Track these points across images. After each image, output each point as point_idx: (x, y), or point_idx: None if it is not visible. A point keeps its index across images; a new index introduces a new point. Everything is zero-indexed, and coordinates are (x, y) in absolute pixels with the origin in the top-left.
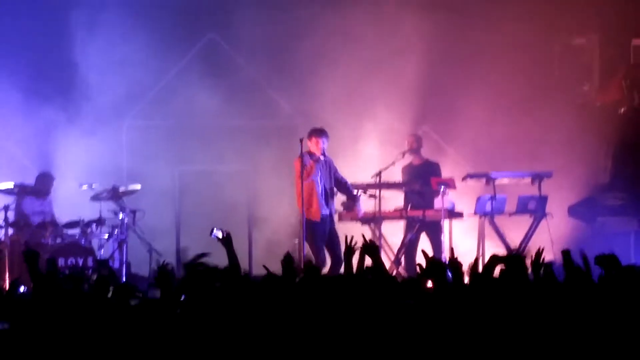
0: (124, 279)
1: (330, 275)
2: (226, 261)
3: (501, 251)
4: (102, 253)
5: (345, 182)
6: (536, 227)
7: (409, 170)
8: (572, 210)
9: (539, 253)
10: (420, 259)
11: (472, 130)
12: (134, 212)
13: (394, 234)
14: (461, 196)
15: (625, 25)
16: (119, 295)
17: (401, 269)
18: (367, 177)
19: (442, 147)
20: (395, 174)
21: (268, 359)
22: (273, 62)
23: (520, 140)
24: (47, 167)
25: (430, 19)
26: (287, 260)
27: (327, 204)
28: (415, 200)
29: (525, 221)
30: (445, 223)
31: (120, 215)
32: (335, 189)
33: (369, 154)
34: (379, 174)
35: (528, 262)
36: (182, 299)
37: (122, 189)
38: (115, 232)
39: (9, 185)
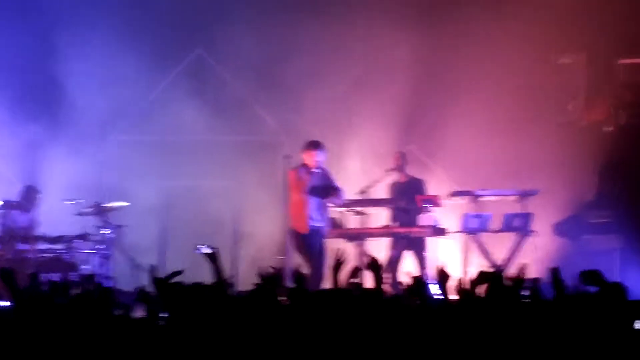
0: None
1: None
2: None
3: (487, 268)
4: (87, 268)
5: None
6: (521, 244)
7: (394, 187)
8: (557, 228)
9: (522, 269)
10: (404, 277)
11: (457, 148)
12: (118, 227)
13: (379, 251)
14: (446, 214)
15: (611, 45)
16: (102, 303)
17: (386, 286)
18: (352, 194)
19: (427, 164)
20: (381, 191)
21: None
22: (259, 78)
23: (506, 158)
24: (32, 182)
25: (417, 38)
26: (270, 277)
27: (318, 217)
28: (400, 217)
29: (511, 239)
30: (430, 240)
31: (105, 231)
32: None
33: (354, 171)
34: (364, 191)
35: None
36: (164, 315)
37: (106, 204)
38: (100, 248)
39: None
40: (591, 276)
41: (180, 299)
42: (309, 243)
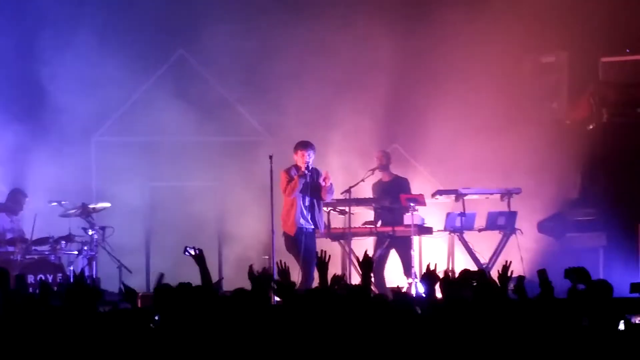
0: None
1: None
2: (198, 278)
3: (470, 267)
4: (72, 269)
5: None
6: (505, 242)
7: (378, 186)
8: (541, 226)
9: (505, 267)
10: (389, 275)
11: (441, 147)
12: (103, 228)
13: (363, 250)
14: (431, 212)
15: (593, 43)
16: (88, 300)
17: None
18: (336, 194)
19: (411, 164)
20: (365, 191)
21: None
22: (242, 78)
23: (490, 156)
24: (16, 185)
25: (400, 38)
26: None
27: (308, 218)
28: (385, 216)
29: (495, 237)
30: (415, 239)
31: (90, 232)
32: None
33: (338, 171)
34: (348, 190)
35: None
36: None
37: (91, 206)
38: (85, 249)
39: None
40: (577, 273)
41: (169, 301)
42: (298, 245)
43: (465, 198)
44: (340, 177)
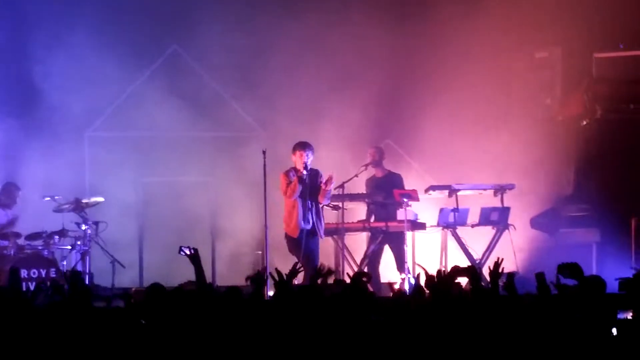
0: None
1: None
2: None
3: (463, 262)
4: (65, 264)
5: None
6: (499, 238)
7: (371, 182)
8: (535, 222)
9: (497, 264)
10: (383, 271)
11: (435, 142)
12: (96, 223)
13: (357, 245)
14: (424, 208)
15: (586, 39)
16: (81, 297)
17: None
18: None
19: (405, 159)
20: (358, 186)
21: None
22: (235, 74)
23: (483, 152)
24: (10, 180)
25: (394, 34)
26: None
27: (310, 219)
28: (378, 212)
29: (488, 233)
30: (408, 234)
31: (83, 227)
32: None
33: (331, 166)
34: (342, 186)
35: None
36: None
37: (84, 200)
38: (78, 244)
39: None
40: (569, 269)
41: (164, 302)
42: (300, 246)
43: (458, 194)
44: (333, 172)
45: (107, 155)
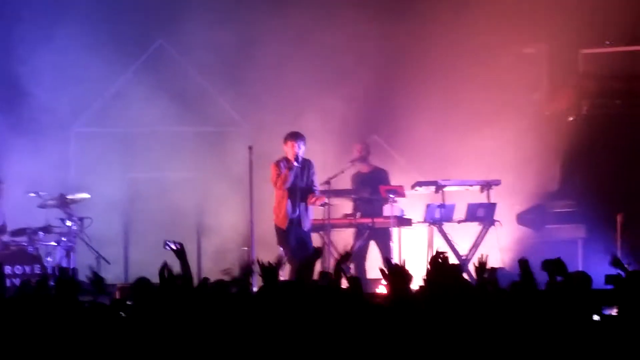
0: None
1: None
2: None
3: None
4: (50, 260)
5: (311, 189)
6: (485, 234)
7: (357, 178)
8: (521, 218)
9: (482, 259)
10: (369, 267)
11: (421, 138)
12: (81, 219)
13: (343, 241)
14: (411, 204)
15: (574, 35)
16: (65, 290)
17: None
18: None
19: (391, 155)
20: (345, 182)
21: None
22: (222, 69)
23: (470, 148)
24: None
25: (380, 29)
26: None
27: (297, 210)
28: (364, 207)
29: (474, 229)
30: (395, 230)
31: (68, 223)
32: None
33: (317, 162)
34: (328, 181)
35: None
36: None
37: (69, 196)
38: (63, 240)
39: None
40: (553, 265)
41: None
42: (288, 237)
43: (444, 190)
44: (319, 168)
45: (92, 151)
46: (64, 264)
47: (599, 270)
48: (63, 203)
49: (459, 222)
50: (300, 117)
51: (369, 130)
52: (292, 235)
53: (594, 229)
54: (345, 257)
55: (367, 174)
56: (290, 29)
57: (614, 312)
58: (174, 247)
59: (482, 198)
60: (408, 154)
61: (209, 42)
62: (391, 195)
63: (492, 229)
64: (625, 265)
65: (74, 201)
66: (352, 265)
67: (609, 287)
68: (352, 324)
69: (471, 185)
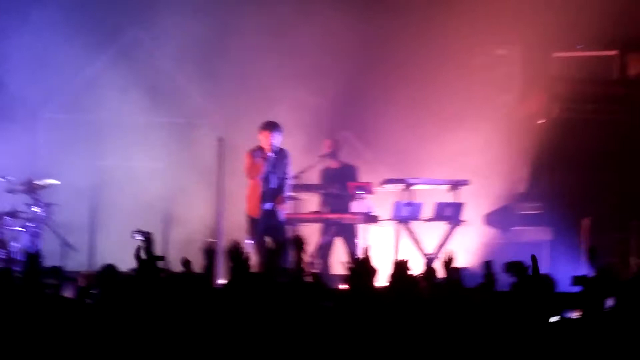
0: None
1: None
2: None
3: (415, 257)
4: (15, 245)
5: (284, 179)
6: (451, 233)
7: (326, 173)
8: (488, 219)
9: (449, 258)
10: (336, 262)
11: (391, 136)
12: (49, 205)
13: (310, 236)
14: (379, 201)
15: (546, 38)
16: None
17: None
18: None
19: (361, 152)
20: (314, 177)
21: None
22: (194, 59)
23: (440, 147)
24: None
25: (354, 27)
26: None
27: (270, 200)
28: (332, 203)
29: (441, 228)
30: (362, 227)
31: (35, 209)
32: None
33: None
34: (297, 176)
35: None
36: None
37: (37, 182)
38: (29, 225)
39: None
40: (515, 267)
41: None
42: (258, 227)
43: (413, 188)
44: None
45: (61, 137)
46: (30, 250)
47: (565, 272)
48: (31, 188)
49: (426, 220)
50: (272, 110)
51: (340, 125)
52: (263, 225)
53: (560, 232)
54: (299, 243)
55: (336, 170)
56: (264, 22)
57: (575, 315)
58: (141, 237)
59: (450, 197)
60: (378, 151)
61: (182, 33)
62: (359, 192)
63: (458, 229)
64: (596, 265)
65: (41, 187)
66: (317, 261)
67: (575, 289)
68: (313, 318)
69: (440, 185)
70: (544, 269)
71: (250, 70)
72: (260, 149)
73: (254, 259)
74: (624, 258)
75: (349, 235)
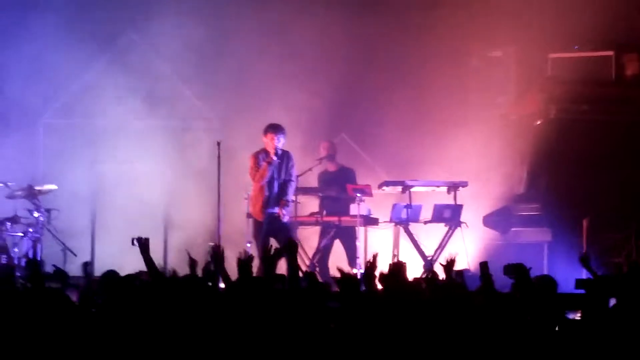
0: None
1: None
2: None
3: (415, 259)
4: (17, 251)
5: (288, 182)
6: (451, 235)
7: (324, 176)
8: (487, 220)
9: (450, 260)
10: (334, 268)
11: (389, 138)
12: (49, 210)
13: (309, 239)
14: (378, 204)
15: (542, 39)
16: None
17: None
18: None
19: (359, 154)
20: (312, 180)
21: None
22: (192, 62)
23: (438, 149)
24: None
25: (349, 30)
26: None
27: (274, 204)
28: (330, 206)
29: (441, 230)
30: (361, 230)
31: (36, 214)
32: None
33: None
34: (295, 179)
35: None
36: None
37: (37, 187)
38: (30, 231)
39: None
40: (515, 269)
41: (116, 289)
42: (262, 230)
43: (411, 190)
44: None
45: (60, 142)
46: (30, 255)
47: (565, 274)
48: (31, 194)
49: (425, 222)
50: (269, 112)
51: (337, 128)
52: (267, 228)
53: (559, 233)
54: (292, 248)
55: (334, 173)
56: (260, 25)
57: (577, 316)
58: (137, 243)
59: (449, 199)
60: (375, 153)
61: (179, 36)
62: (358, 195)
63: (458, 231)
64: (593, 269)
65: (41, 192)
66: (317, 264)
67: (578, 291)
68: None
69: (438, 186)
70: (544, 270)
71: (247, 73)
72: (264, 151)
73: (256, 262)
74: (628, 258)
75: (348, 237)
